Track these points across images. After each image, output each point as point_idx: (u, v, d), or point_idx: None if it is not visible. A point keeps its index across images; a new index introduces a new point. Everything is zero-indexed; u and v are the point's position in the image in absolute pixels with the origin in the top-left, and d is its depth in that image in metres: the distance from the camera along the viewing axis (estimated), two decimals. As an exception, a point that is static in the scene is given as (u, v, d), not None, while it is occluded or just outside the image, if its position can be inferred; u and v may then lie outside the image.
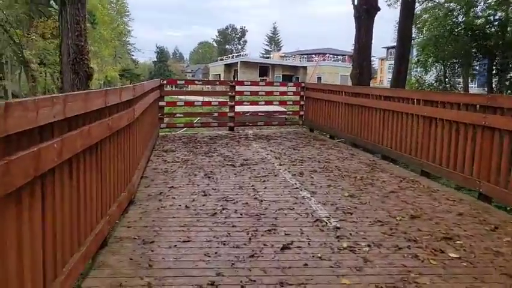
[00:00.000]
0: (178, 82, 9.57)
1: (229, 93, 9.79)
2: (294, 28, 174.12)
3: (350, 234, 3.57)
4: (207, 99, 11.05)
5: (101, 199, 3.02)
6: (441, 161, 5.45)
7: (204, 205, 4.29)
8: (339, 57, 70.06)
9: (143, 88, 5.36)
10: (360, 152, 7.63)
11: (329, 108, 9.22)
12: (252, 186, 5.09)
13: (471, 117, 4.81)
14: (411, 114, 6.20)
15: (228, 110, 9.92)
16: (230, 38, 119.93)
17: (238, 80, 51.87)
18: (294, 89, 10.66)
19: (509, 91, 16.76)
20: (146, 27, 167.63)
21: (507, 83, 16.98)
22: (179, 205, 4.26)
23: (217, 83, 9.89)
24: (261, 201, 4.48)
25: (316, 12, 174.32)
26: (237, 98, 9.92)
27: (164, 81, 8.99)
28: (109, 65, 35.37)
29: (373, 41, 13.93)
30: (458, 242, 3.43)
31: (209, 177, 5.50)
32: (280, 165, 6.35)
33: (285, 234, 3.54)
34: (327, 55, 61.57)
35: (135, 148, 4.58)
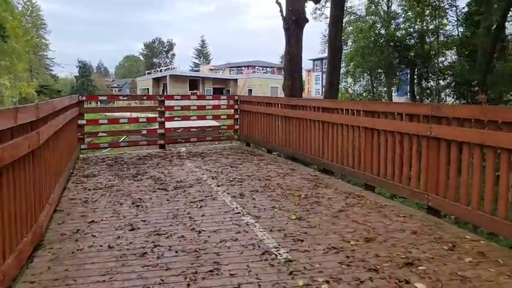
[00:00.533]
0: (100, 98, 8.62)
1: (159, 109, 9.07)
2: (223, 41, 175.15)
3: (304, 267, 3.11)
4: (134, 115, 10.21)
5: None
6: (386, 174, 5.25)
7: (131, 243, 3.61)
8: (268, 69, 71.25)
9: (53, 106, 4.56)
10: (300, 167, 7.32)
11: (266, 121, 8.87)
12: (188, 213, 4.49)
13: (416, 127, 4.63)
14: (352, 126, 5.99)
15: (157, 127, 9.19)
16: (157, 51, 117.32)
17: (168, 94, 50.62)
18: (227, 102, 10.18)
19: (429, 98, 17.75)
20: (69, 42, 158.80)
21: (428, 91, 17.99)
22: (101, 245, 3.54)
23: (145, 97, 9.20)
24: (199, 232, 3.90)
25: (243, 26, 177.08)
26: (167, 113, 9.23)
27: (84, 97, 8.08)
28: (23, 80, 32.49)
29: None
30: (420, 267, 3.11)
31: (137, 205, 4.80)
32: (218, 186, 5.80)
33: (230, 274, 3.00)
34: (257, 67, 62.35)
35: (42, 179, 3.79)
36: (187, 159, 8.06)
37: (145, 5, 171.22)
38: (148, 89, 58.44)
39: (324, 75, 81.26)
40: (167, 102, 9.25)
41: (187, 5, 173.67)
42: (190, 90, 53.26)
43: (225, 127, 10.36)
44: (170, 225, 4.11)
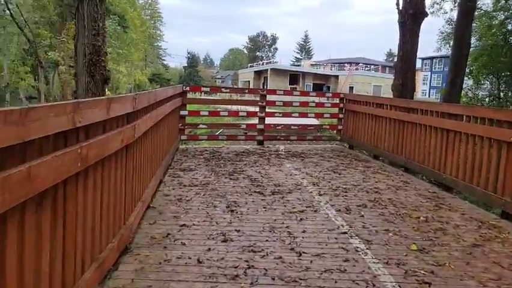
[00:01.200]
0: (203, 89, 8.55)
1: (260, 103, 8.69)
2: (325, 37, 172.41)
3: (438, 328, 2.37)
4: (235, 108, 10.00)
5: (64, 268, 1.96)
6: (536, 204, 4.15)
7: (222, 258, 3.17)
8: (371, 66, 68.16)
9: (154, 96, 4.33)
10: (414, 179, 6.36)
11: (374, 124, 7.98)
12: (287, 227, 3.94)
13: None
14: (489, 138, 4.91)
15: (257, 122, 8.82)
16: (260, 45, 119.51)
17: (269, 88, 50.98)
18: (332, 100, 9.45)
19: None
20: (177, 33, 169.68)
21: None
22: (190, 257, 3.15)
23: (247, 91, 8.94)
24: (300, 254, 3.33)
25: (347, 22, 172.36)
26: (268, 108, 8.81)
27: (187, 88, 8.00)
28: (138, 69, 35.05)
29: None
30: None
31: (232, 210, 4.38)
32: (320, 195, 5.17)
33: (340, 323, 2.38)
34: (360, 64, 59.83)
35: (136, 176, 3.52)
36: (285, 159, 7.55)
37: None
38: (249, 81, 59.60)
39: (433, 76, 74.81)
40: (269, 97, 8.84)
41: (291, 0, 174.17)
42: (290, 84, 53.09)
43: (327, 127, 9.65)
44: (267, 240, 3.60)
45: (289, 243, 3.54)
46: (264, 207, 4.54)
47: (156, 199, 4.63)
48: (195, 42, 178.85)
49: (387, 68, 76.11)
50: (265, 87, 54.46)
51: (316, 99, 9.59)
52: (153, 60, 67.73)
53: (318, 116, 9.60)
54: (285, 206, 4.64)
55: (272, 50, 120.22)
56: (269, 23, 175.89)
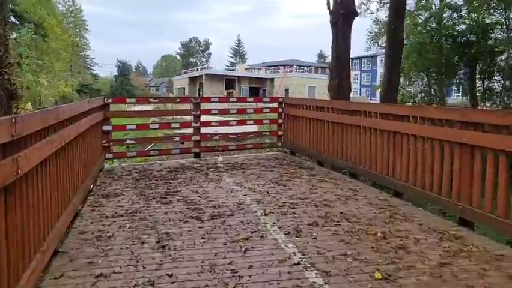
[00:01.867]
0: (128, 100, 7.60)
1: (193, 113, 7.97)
2: (258, 41, 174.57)
3: None
4: (167, 119, 9.17)
5: None
6: (496, 208, 3.85)
7: (149, 322, 2.45)
8: (305, 68, 69.62)
9: (55, 114, 3.48)
10: (362, 186, 5.99)
11: (316, 128, 7.59)
12: (230, 263, 3.29)
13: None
14: (439, 140, 4.62)
15: (192, 133, 8.08)
16: (194, 50, 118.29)
17: (204, 95, 50.01)
18: (271, 105, 8.95)
19: (491, 101, 15.86)
20: (105, 42, 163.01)
21: (488, 92, 16.07)
22: (105, 327, 2.40)
23: (178, 100, 8.04)
24: (248, 302, 2.69)
25: (278, 26, 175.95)
26: (203, 118, 8.12)
27: (109, 100, 7.07)
28: (62, 80, 32.60)
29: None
30: None
31: (163, 246, 3.65)
32: (266, 214, 4.58)
33: None
34: (294, 66, 60.83)
35: (31, 221, 2.69)
36: (225, 172, 6.90)
37: (181, 4, 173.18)
38: (184, 88, 58.25)
39: (363, 75, 78.03)
40: (204, 105, 8.14)
41: (220, 5, 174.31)
42: (226, 89, 52.55)
43: (268, 133, 9.13)
44: (206, 285, 2.92)
45: (234, 287, 2.90)
46: (203, 238, 3.85)
47: (68, 240, 3.77)
48: (125, 51, 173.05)
49: (319, 69, 78.34)
50: (201, 93, 53.48)
51: (254, 105, 9.00)
52: (80, 70, 64.04)
53: (258, 122, 9.05)
54: (226, 233, 3.99)
55: (206, 55, 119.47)
56: (201, 28, 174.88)
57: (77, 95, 66.49)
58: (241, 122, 8.74)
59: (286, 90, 51.96)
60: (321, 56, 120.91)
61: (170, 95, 73.13)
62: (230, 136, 8.52)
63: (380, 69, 77.35)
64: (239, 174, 6.72)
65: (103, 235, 3.90)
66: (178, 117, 11.80)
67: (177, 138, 7.93)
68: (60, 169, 3.70)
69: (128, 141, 7.48)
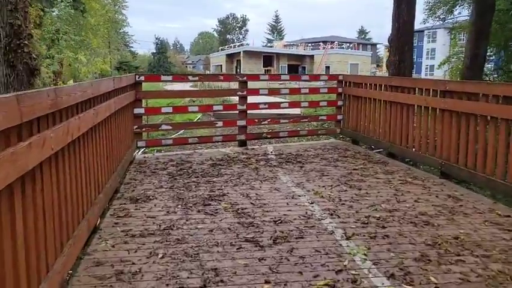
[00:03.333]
0: (163, 78, 6.36)
1: (239, 93, 6.72)
2: (295, 17, 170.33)
3: None
4: (206, 101, 7.95)
5: None
6: None
7: None
8: (346, 45, 66.64)
9: (67, 93, 2.32)
10: (461, 190, 4.58)
11: (390, 113, 6.16)
12: None
13: None
14: None
15: (237, 117, 6.85)
16: (231, 27, 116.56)
17: (241, 71, 48.63)
18: (327, 84, 7.55)
19: None
20: (143, 20, 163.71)
21: None
22: None
23: (221, 77, 6.85)
24: None
25: (316, 1, 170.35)
26: (250, 99, 6.85)
27: (142, 78, 5.93)
28: (100, 56, 32.16)
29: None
30: None
31: (212, 294, 2.46)
32: (348, 238, 3.30)
33: None
34: (335, 43, 58.11)
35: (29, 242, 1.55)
36: (279, 167, 5.64)
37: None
38: (221, 65, 57.19)
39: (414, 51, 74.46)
40: (251, 84, 6.85)
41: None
42: (264, 66, 51.02)
43: (324, 117, 7.76)
44: None
45: None
46: (267, 282, 2.63)
47: (77, 279, 2.65)
48: (163, 28, 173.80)
49: (360, 46, 74.91)
50: (238, 70, 52.19)
51: (309, 84, 7.63)
52: (118, 47, 64.05)
53: (313, 104, 7.68)
54: (300, 272, 2.75)
55: (243, 32, 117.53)
56: (238, 5, 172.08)
57: (116, 72, 67.00)
58: (293, 104, 7.42)
59: (327, 68, 49.78)
60: (362, 32, 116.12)
61: (207, 72, 72.33)
62: (281, 121, 7.21)
63: (427, 45, 72.94)
64: (296, 170, 5.45)
65: (126, 270, 2.75)
66: (219, 98, 10.72)
67: (220, 123, 6.71)
68: (82, 162, 2.58)
69: (164, 127, 6.34)
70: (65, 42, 24.19)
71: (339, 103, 7.61)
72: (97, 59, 30.16)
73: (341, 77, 7.58)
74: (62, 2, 23.01)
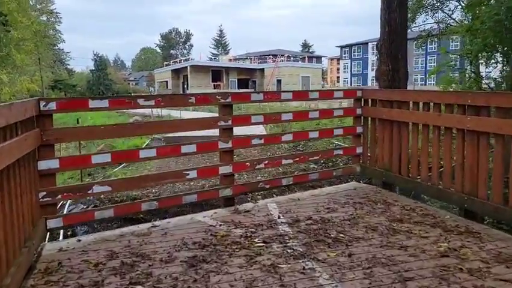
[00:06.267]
0: (92, 104, 3.66)
1: (222, 123, 4.19)
2: (239, 32, 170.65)
3: None
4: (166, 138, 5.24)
5: None
6: None
7: None
8: (296, 57, 65.91)
9: None
10: None
11: (467, 147, 3.91)
12: None
13: None
14: None
15: (219, 162, 4.31)
16: (174, 42, 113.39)
17: (189, 88, 45.77)
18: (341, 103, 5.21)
19: None
20: (80, 36, 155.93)
21: None
22: None
23: (192, 99, 4.58)
24: None
25: (258, 17, 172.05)
26: (237, 131, 4.34)
27: (51, 105, 3.22)
28: (26, 74, 28.01)
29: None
30: None
31: None
32: None
33: None
34: (285, 56, 56.96)
35: None
36: (310, 257, 3.13)
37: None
38: (166, 81, 54.00)
39: (353, 63, 74.74)
40: (236, 105, 4.35)
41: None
42: (212, 81, 48.63)
43: (340, 151, 5.37)
44: None
45: None
46: None
47: None
48: (102, 45, 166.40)
49: (306, 59, 74.68)
50: (185, 86, 49.34)
51: (315, 104, 5.23)
52: (52, 64, 58.79)
53: (324, 133, 5.27)
54: None
55: (187, 47, 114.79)
56: (181, 21, 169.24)
57: (50, 92, 61.37)
58: (299, 135, 4.99)
59: (279, 81, 48.29)
60: (305, 45, 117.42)
61: (151, 89, 68.52)
62: (283, 161, 4.73)
63: (372, 57, 74.02)
64: (347, 266, 2.98)
65: None
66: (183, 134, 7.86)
67: (193, 174, 4.10)
68: None
69: (97, 189, 3.59)
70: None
71: (358, 130, 5.29)
72: (23, 78, 26.09)
73: (359, 93, 5.27)
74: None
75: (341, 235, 3.56)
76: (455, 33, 17.10)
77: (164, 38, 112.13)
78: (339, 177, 5.63)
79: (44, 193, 3.36)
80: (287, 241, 3.46)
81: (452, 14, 19.45)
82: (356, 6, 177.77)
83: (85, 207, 6.36)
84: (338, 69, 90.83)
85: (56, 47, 70.50)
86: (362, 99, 5.29)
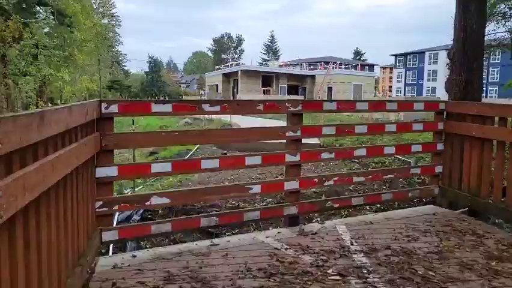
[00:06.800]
0: (155, 108, 3.45)
1: (290, 134, 3.79)
2: (289, 38, 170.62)
3: None
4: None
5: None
6: None
7: None
8: (349, 65, 64.53)
9: None
10: None
11: None
12: None
13: None
14: None
15: (285, 176, 3.92)
16: (226, 47, 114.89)
17: (239, 92, 45.89)
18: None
19: None
20: (137, 39, 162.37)
21: None
22: None
23: (260, 106, 4.22)
24: None
25: (308, 23, 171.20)
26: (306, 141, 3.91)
27: (113, 107, 2.97)
28: (87, 74, 29.16)
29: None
30: None
31: None
32: None
33: None
34: (337, 63, 55.86)
35: None
36: (398, 298, 2.65)
37: (211, 2, 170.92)
38: (217, 85, 54.57)
39: (408, 73, 71.82)
40: (308, 114, 3.93)
41: (251, 2, 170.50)
42: (262, 87, 48.50)
43: (418, 170, 4.79)
44: None
45: None
46: None
47: None
48: (156, 48, 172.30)
49: (358, 67, 72.91)
50: (235, 91, 49.60)
51: (393, 116, 4.71)
52: (111, 65, 61.34)
53: (403, 149, 4.72)
54: None
55: (238, 51, 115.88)
56: (232, 26, 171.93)
57: (107, 92, 64.03)
58: (373, 151, 4.49)
59: (329, 89, 47.34)
60: (357, 53, 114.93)
61: (202, 92, 69.67)
62: (354, 179, 4.24)
63: (428, 67, 71.00)
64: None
65: None
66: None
67: (256, 188, 3.72)
68: None
69: (156, 201, 3.29)
70: (45, 57, 21.27)
71: (439, 147, 4.69)
72: (83, 77, 27.15)
73: (442, 106, 4.67)
74: (40, 13, 20.21)
75: (431, 273, 3.03)
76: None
77: (217, 43, 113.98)
78: (416, 198, 5.03)
79: (101, 203, 3.10)
80: (366, 276, 2.97)
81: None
82: (409, 14, 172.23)
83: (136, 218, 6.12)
84: (391, 78, 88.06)
85: (115, 49, 73.56)
86: (445, 112, 4.69)
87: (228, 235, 3.90)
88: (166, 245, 3.79)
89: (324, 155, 4.07)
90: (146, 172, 3.30)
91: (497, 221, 5.24)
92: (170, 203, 3.48)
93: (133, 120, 14.22)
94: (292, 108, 3.80)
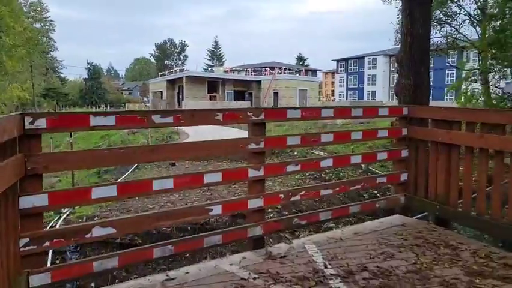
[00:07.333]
0: (93, 121, 2.90)
1: (252, 146, 3.38)
2: (233, 45, 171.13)
3: None
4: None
5: None
6: None
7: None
8: (293, 70, 65.49)
9: None
10: None
11: None
12: None
13: None
14: None
15: (248, 193, 3.50)
16: (169, 52, 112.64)
17: (185, 99, 44.95)
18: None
19: None
20: (75, 45, 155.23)
21: None
22: None
23: (219, 115, 3.87)
24: None
25: (253, 29, 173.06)
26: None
27: (40, 122, 2.39)
28: (18, 82, 26.99)
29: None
30: None
31: None
32: None
33: None
34: (283, 68, 56.44)
35: None
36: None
37: (153, 8, 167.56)
38: (161, 91, 53.10)
39: (349, 77, 74.50)
40: (271, 126, 3.54)
41: (195, 9, 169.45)
42: (208, 93, 47.86)
43: (384, 179, 4.56)
44: None
45: None
46: None
47: None
48: (96, 54, 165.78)
49: (302, 72, 74.33)
50: (181, 97, 48.52)
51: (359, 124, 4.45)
52: (45, 72, 57.74)
53: (368, 158, 4.48)
54: None
55: (182, 57, 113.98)
56: (175, 33, 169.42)
57: (42, 100, 60.17)
58: (340, 161, 4.18)
59: (275, 94, 47.68)
60: (300, 58, 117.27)
61: (145, 99, 67.59)
62: (322, 192, 3.90)
63: (368, 71, 73.81)
64: None
65: None
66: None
67: (217, 209, 3.26)
68: None
69: (97, 232, 2.70)
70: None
71: (403, 154, 4.49)
72: (14, 85, 25.09)
73: (405, 110, 4.48)
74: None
75: (416, 298, 2.73)
76: (467, 48, 16.64)
77: (159, 48, 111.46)
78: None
79: (27, 240, 2.49)
80: (349, 307, 2.62)
81: (460, 28, 19.10)
82: (350, 22, 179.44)
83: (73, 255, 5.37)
84: (333, 82, 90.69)
85: (49, 55, 69.46)
86: (409, 117, 4.51)
87: (185, 264, 3.40)
88: (113, 284, 3.22)
89: (290, 168, 3.69)
90: (86, 198, 2.73)
91: (459, 227, 5.15)
92: (116, 234, 2.92)
93: (71, 133, 13.10)
94: (254, 118, 3.39)
